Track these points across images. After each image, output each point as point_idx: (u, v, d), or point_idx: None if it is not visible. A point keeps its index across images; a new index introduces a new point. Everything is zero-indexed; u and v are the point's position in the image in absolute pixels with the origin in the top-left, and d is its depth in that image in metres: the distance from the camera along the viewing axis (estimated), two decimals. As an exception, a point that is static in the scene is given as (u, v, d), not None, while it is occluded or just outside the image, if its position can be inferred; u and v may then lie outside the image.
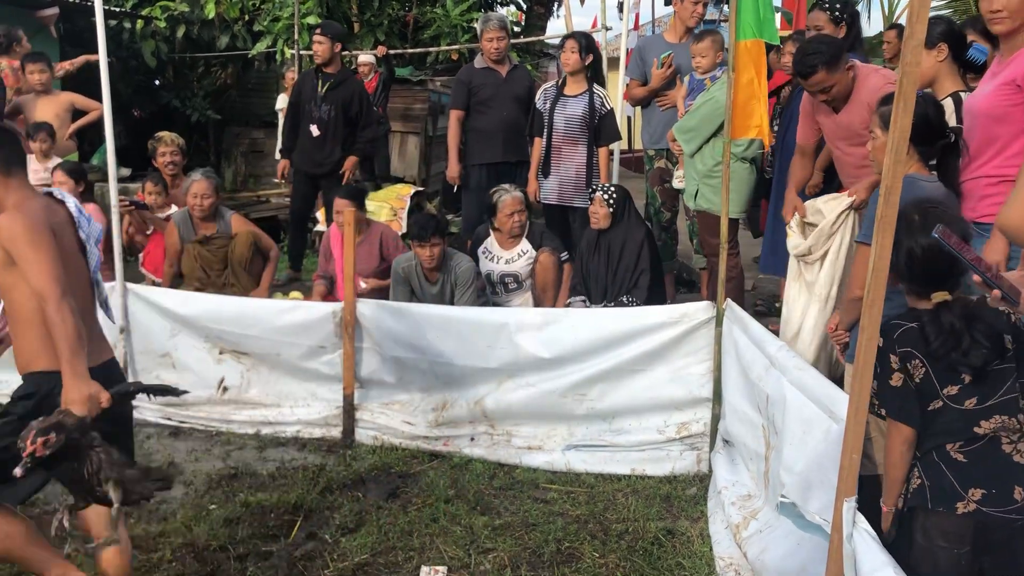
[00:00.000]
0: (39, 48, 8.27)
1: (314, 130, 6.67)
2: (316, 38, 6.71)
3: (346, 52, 8.23)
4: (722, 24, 17.40)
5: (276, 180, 8.54)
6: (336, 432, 4.66)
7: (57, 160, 6.35)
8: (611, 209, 5.14)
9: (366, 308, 4.61)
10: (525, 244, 5.48)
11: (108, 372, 2.89)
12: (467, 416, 4.51)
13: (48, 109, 6.84)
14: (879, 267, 2.02)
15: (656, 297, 5.13)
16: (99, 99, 5.36)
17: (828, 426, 2.73)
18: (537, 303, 5.44)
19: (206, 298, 4.96)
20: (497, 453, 4.41)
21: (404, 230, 7.91)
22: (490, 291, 5.58)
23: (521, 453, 4.38)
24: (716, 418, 4.15)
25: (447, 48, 10.30)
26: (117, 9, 11.04)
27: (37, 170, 6.38)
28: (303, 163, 6.82)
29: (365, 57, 9.51)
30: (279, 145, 7.81)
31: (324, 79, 6.68)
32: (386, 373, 4.65)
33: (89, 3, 10.67)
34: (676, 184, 5.67)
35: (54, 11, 10.19)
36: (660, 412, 4.26)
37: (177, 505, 3.86)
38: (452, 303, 5.07)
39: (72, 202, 2.96)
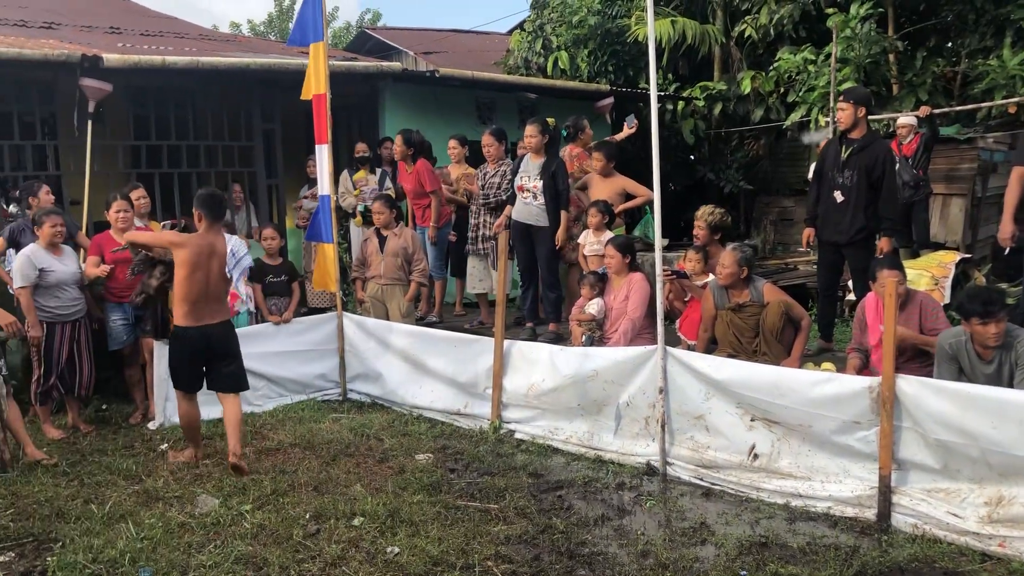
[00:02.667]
0: (597, 135, 9.40)
1: (837, 196, 6.49)
2: (840, 105, 6.58)
3: (874, 116, 7.90)
4: None
5: (802, 248, 8.50)
6: (870, 514, 4.40)
7: (609, 234, 7.09)
8: None
9: (907, 385, 4.31)
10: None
11: (207, 331, 5.41)
12: (1030, 516, 3.93)
13: (606, 190, 7.71)
14: None
15: None
16: (647, 175, 5.87)
17: None
18: None
19: (740, 364, 5.09)
20: (1072, 565, 3.77)
21: (947, 300, 7.28)
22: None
23: (1105, 570, 3.68)
24: None
25: (1003, 102, 9.31)
26: (662, 93, 12.07)
27: (592, 242, 7.20)
28: (827, 231, 6.67)
29: (904, 119, 9.05)
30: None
31: (848, 144, 6.49)
32: (928, 457, 4.29)
33: (639, 90, 11.86)
34: None
35: (609, 101, 11.54)
36: None
37: (709, 566, 3.97)
38: (1011, 385, 4.50)
39: (230, 247, 6.02)
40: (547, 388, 5.81)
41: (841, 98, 6.64)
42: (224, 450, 5.68)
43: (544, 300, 7.53)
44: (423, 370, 6.65)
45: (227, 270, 5.60)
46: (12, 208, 8.55)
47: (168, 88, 8.94)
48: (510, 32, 16.47)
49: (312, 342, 7.19)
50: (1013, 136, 9.87)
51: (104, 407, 6.96)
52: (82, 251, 7.09)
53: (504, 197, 7.82)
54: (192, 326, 5.39)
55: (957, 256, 8.18)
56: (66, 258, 6.26)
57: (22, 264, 6.03)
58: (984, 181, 9.90)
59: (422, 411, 6.60)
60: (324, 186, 7.07)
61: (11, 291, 6.17)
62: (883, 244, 6.32)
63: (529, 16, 14.51)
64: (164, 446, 5.84)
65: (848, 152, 6.45)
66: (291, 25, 7.37)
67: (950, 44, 11.12)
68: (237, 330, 6.97)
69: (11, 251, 6.58)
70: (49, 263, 6.09)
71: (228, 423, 5.44)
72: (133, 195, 6.90)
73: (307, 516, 4.58)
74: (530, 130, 7.32)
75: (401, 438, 6.00)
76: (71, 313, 6.21)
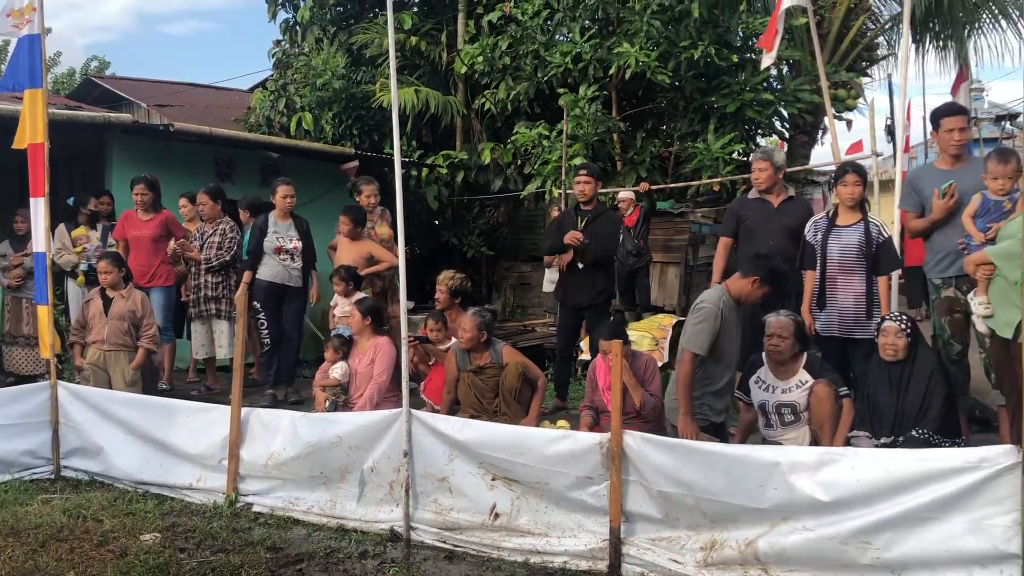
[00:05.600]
0: (343, 198, 9.37)
1: (578, 263, 6.98)
2: (583, 178, 7.08)
3: (602, 190, 8.60)
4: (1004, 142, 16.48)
5: (543, 310, 8.96)
6: (602, 566, 4.61)
7: (360, 296, 7.07)
8: (908, 339, 4.93)
9: (632, 440, 4.61)
10: (804, 374, 5.30)
11: None
12: (738, 558, 4.31)
13: (351, 253, 7.71)
14: None
15: (949, 431, 4.80)
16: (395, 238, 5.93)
17: None
18: (813, 439, 5.19)
19: (481, 425, 5.20)
20: (772, 600, 4.16)
21: (666, 360, 7.90)
22: (763, 423, 5.41)
23: (798, 602, 4.10)
24: (1028, 578, 3.68)
25: (709, 181, 10.40)
26: (406, 159, 12.27)
27: (343, 304, 7.15)
28: (570, 296, 7.11)
29: (625, 193, 9.87)
30: (545, 277, 8.27)
31: (583, 215, 7.04)
32: (652, 508, 4.59)
33: (384, 155, 12.01)
34: (982, 311, 4.98)
35: (354, 164, 11.56)
36: (958, 567, 3.85)
37: (451, 629, 3.97)
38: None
39: None
40: (287, 457, 5.60)
41: (584, 172, 7.14)
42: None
43: (283, 359, 7.38)
44: (151, 442, 6.16)
45: None
46: None
47: None
48: (251, 90, 16.09)
49: (19, 415, 6.44)
50: (718, 211, 11.03)
51: None
52: None
53: (228, 257, 7.65)
54: None
55: (674, 319, 8.93)
56: None
57: None
58: (695, 251, 10.95)
59: (149, 487, 6.09)
60: (40, 243, 6.47)
61: None
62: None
63: (272, 75, 14.29)
64: None
65: (584, 222, 6.97)
66: (2, 68, 6.75)
67: (664, 127, 12.27)
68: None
69: None
70: None
71: None
72: None
73: (9, 613, 4.07)
74: (288, 190, 7.31)
75: (124, 518, 5.50)
76: None
